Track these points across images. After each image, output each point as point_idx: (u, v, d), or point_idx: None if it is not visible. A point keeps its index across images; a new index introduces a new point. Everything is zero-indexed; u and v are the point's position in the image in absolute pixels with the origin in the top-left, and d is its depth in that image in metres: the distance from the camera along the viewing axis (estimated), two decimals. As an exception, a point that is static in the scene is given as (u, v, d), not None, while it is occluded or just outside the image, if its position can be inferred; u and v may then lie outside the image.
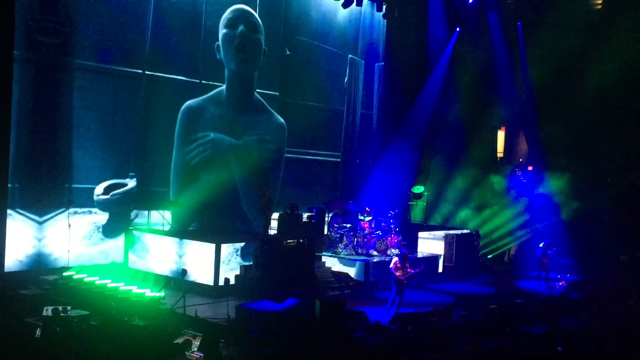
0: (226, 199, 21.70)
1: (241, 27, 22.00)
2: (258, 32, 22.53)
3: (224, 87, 22.04)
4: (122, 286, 16.59)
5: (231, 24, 21.91)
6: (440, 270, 22.44)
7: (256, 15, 22.53)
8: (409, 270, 16.23)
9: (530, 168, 28.29)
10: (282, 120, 23.58)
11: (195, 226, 20.91)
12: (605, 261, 22.71)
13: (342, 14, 25.73)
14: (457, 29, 27.95)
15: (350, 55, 26.30)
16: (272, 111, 23.37)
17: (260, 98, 23.01)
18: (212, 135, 21.64)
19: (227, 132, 22.08)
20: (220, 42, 21.79)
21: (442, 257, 22.68)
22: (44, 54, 17.85)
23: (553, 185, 26.15)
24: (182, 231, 19.66)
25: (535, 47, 26.81)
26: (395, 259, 16.60)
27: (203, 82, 21.52)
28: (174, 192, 20.90)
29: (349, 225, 21.18)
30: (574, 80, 25.39)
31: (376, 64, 27.60)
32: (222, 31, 21.81)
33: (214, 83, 21.78)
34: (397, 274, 16.17)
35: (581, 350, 11.51)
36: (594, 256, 22.90)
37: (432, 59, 28.07)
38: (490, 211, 26.58)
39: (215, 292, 16.93)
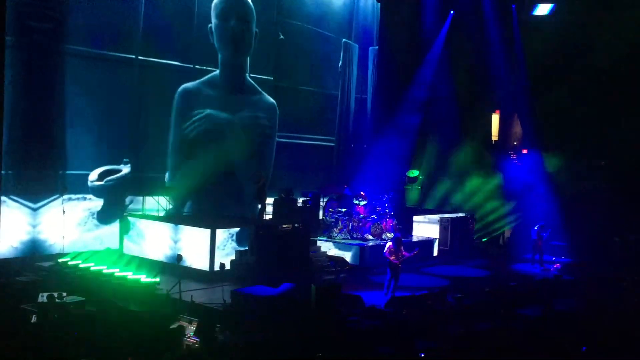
0: (222, 179, 21.66)
1: (233, 22, 21.93)
2: (250, 21, 22.45)
3: (218, 71, 21.99)
4: (117, 272, 16.60)
5: (223, 15, 21.80)
6: (435, 253, 22.52)
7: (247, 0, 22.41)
8: (403, 254, 16.28)
9: (524, 151, 28.31)
10: (272, 100, 23.60)
11: (190, 209, 20.89)
12: (599, 243, 22.79)
13: (336, -2, 25.65)
14: (451, 13, 27.85)
15: (344, 40, 26.20)
16: (263, 92, 23.37)
17: (252, 81, 22.99)
18: (208, 110, 21.67)
19: (222, 109, 22.15)
20: (212, 30, 21.69)
21: (437, 240, 22.75)
22: (35, 40, 17.73)
23: (547, 168, 26.20)
24: (177, 216, 19.64)
25: (530, 30, 26.74)
26: (389, 243, 16.64)
27: (196, 66, 21.44)
28: (171, 169, 20.93)
29: (344, 210, 21.25)
30: (569, 63, 25.37)
31: (370, 48, 27.51)
32: (213, 20, 21.70)
33: (207, 68, 21.70)
34: (392, 258, 16.21)
35: (574, 332, 11.57)
36: (588, 239, 22.98)
37: (426, 42, 27.98)
38: (484, 195, 26.61)
39: (211, 277, 16.95)
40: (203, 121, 21.56)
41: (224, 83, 22.21)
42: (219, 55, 21.98)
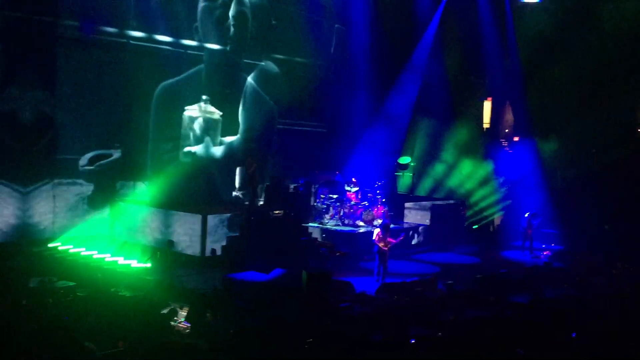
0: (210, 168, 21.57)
1: (222, 10, 21.39)
2: (243, 4, 21.99)
3: (202, 66, 21.42)
4: (108, 257, 16.57)
5: None
6: (426, 240, 22.52)
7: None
8: (389, 240, 16.39)
9: (516, 139, 28.35)
10: (271, 103, 23.15)
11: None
12: (590, 231, 22.89)
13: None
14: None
15: (337, 25, 26.04)
16: (262, 94, 22.89)
17: (252, 81, 22.52)
18: (192, 147, 21.11)
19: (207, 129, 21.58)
20: (198, 19, 21.15)
21: (428, 227, 22.75)
22: (26, 23, 17.53)
23: (538, 155, 26.25)
24: (169, 202, 19.55)
25: (523, 15, 26.70)
26: (377, 230, 16.73)
27: (188, 51, 21.23)
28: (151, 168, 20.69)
29: (335, 196, 21.22)
30: (560, 50, 25.36)
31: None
32: (200, 4, 21.08)
33: (199, 53, 21.47)
34: (380, 245, 16.30)
35: (564, 319, 11.63)
36: (578, 226, 23.08)
37: (418, 30, 27.86)
38: (475, 181, 26.66)
39: (202, 262, 16.93)
40: (186, 156, 21.14)
41: (211, 87, 21.50)
42: (205, 54, 21.39)
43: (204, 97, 21.11)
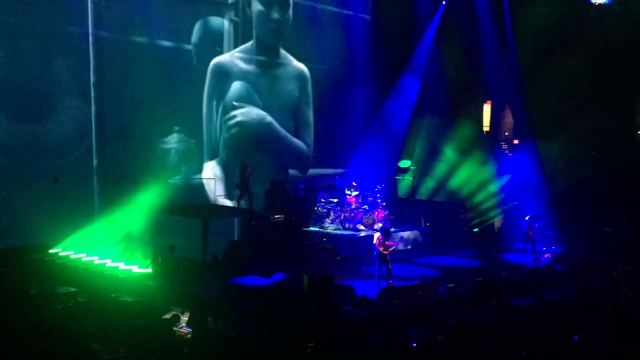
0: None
1: (276, 15, 22.62)
2: (288, 8, 23.10)
3: (252, 42, 22.80)
4: (109, 263, 16.57)
5: (266, 2, 22.51)
6: (426, 244, 22.51)
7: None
8: (388, 244, 16.45)
9: (516, 142, 28.33)
10: (303, 67, 24.35)
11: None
12: (591, 233, 22.86)
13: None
14: (443, 3, 27.75)
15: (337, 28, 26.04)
16: (293, 59, 24.09)
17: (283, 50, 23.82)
18: (245, 107, 22.30)
19: (256, 88, 22.90)
20: (253, 15, 22.44)
21: (428, 230, 22.75)
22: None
23: (539, 158, 26.23)
24: (170, 207, 19.52)
25: (521, 18, 26.68)
26: (377, 234, 16.78)
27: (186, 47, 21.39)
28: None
29: (335, 200, 21.24)
30: (559, 53, 25.37)
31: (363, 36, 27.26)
32: (256, 7, 22.25)
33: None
34: (381, 249, 16.35)
35: (565, 322, 11.64)
36: (580, 228, 23.05)
37: (417, 33, 27.88)
38: (475, 184, 26.63)
39: (203, 268, 16.91)
40: (236, 125, 21.98)
41: (260, 54, 23.00)
42: (254, 32, 22.65)
43: (176, 127, 21.27)
